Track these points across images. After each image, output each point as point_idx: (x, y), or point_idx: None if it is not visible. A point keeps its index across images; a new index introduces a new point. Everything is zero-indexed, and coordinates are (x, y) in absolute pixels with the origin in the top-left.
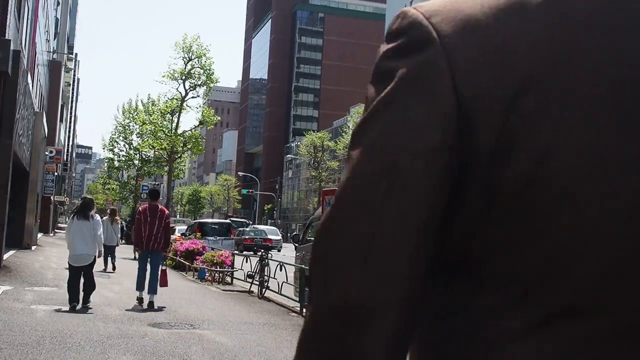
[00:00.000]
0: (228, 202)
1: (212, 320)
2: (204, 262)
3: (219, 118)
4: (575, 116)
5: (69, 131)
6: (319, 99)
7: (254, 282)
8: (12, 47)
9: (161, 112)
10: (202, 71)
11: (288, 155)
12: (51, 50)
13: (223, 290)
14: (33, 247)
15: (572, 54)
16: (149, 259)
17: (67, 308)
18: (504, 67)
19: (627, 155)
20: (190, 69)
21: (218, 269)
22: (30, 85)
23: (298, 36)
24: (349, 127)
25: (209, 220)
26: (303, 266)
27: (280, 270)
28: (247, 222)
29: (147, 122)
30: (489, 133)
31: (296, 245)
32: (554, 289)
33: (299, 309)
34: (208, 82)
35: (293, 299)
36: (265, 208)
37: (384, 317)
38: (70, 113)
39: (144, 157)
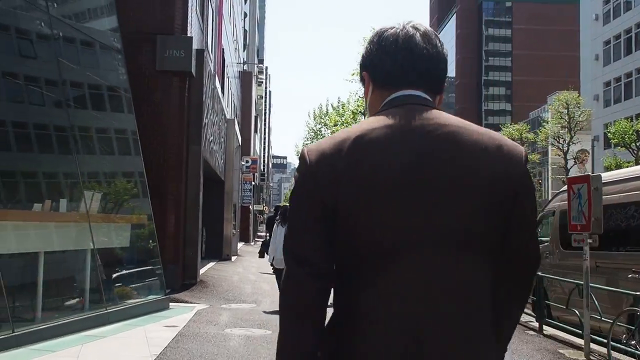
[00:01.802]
0: None
1: None
2: None
3: None
4: (360, 194)
5: (264, 142)
6: (511, 91)
7: None
8: (195, 46)
9: (352, 112)
10: None
11: None
12: (241, 61)
13: None
14: (233, 258)
15: (367, 169)
16: None
17: (265, 331)
18: (333, 175)
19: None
20: None
21: None
22: (219, 91)
23: (485, 29)
24: (549, 116)
25: None
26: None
27: None
28: None
29: (339, 123)
30: (330, 201)
31: None
32: (354, 270)
33: (536, 325)
34: None
35: (525, 312)
36: None
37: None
38: (264, 124)
39: None
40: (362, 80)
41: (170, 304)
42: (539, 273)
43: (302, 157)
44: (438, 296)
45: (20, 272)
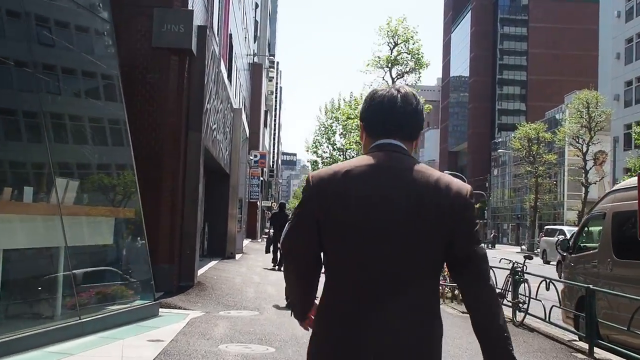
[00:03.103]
0: None
1: None
2: None
3: (430, 107)
4: (343, 213)
5: (274, 138)
6: (526, 90)
7: (504, 303)
8: (196, 22)
9: None
10: (409, 56)
11: (500, 150)
12: (251, 53)
13: (462, 312)
14: (237, 256)
15: (350, 195)
16: None
17: (267, 349)
18: (326, 195)
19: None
20: (397, 55)
21: (448, 282)
22: (225, 77)
23: (500, 27)
24: (566, 116)
25: None
26: (578, 284)
27: (547, 288)
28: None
29: (353, 116)
30: (324, 212)
31: (564, 254)
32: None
33: (585, 346)
34: (417, 67)
35: (567, 329)
36: None
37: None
38: (274, 120)
39: (349, 157)
40: (361, 128)
41: (161, 310)
42: (590, 286)
43: (307, 181)
44: (394, 299)
45: None
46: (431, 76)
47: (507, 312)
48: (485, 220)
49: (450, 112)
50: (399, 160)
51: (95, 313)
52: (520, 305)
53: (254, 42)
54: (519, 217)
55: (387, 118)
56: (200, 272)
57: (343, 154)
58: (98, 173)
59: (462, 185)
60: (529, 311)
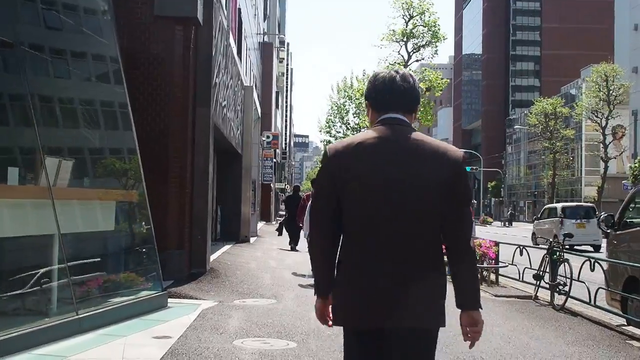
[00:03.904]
0: None
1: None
2: None
3: (447, 81)
4: (357, 178)
5: (286, 119)
6: (540, 66)
7: (540, 284)
8: None
9: None
10: (425, 29)
11: (516, 127)
12: (261, 32)
13: (495, 295)
14: (252, 240)
15: (361, 163)
16: None
17: (287, 344)
18: (342, 165)
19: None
20: (412, 28)
21: (483, 265)
22: (235, 53)
23: (512, 2)
24: (583, 90)
25: None
26: (633, 264)
27: (592, 269)
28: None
29: None
30: (338, 180)
31: (607, 231)
32: (352, 227)
33: (638, 333)
34: (434, 40)
35: (615, 313)
36: (489, 185)
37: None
38: (286, 102)
39: None
40: (367, 106)
41: (170, 300)
42: (623, 262)
43: (325, 152)
44: (400, 251)
45: None
46: (443, 54)
47: (545, 294)
48: (501, 198)
49: (464, 90)
50: (401, 131)
51: (95, 307)
52: (560, 287)
53: (264, 20)
54: (535, 194)
55: (389, 95)
56: (212, 257)
57: (357, 133)
58: (96, 154)
59: (457, 152)
60: (569, 293)
